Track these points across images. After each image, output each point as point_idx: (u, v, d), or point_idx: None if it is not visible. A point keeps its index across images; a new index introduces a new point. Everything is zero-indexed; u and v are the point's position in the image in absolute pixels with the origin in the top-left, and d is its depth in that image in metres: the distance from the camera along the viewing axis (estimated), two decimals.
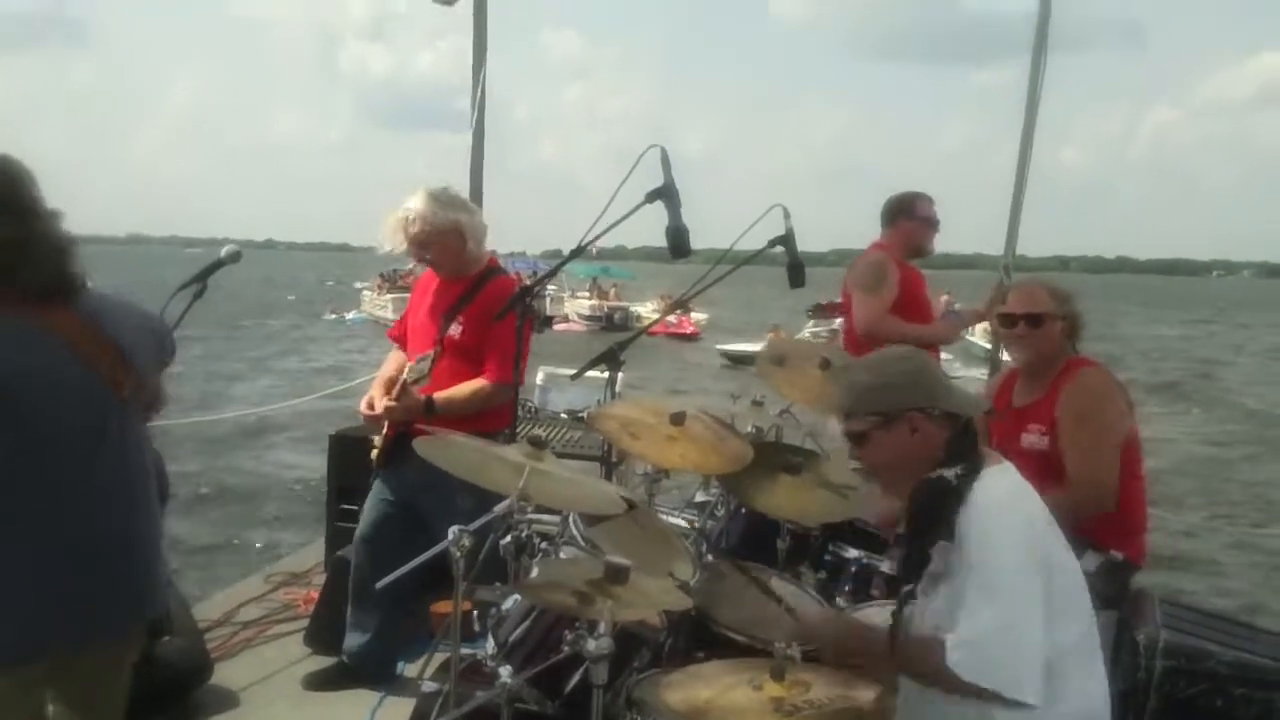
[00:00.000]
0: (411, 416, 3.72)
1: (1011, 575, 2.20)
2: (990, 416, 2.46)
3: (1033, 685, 2.16)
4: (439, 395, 3.76)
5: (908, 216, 5.18)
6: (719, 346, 30.64)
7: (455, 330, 3.84)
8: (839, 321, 31.35)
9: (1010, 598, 2.19)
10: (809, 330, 31.67)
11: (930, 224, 5.23)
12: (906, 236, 5.17)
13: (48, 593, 2.26)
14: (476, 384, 3.79)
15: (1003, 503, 2.28)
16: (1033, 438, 3.50)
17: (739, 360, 30.59)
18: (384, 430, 3.98)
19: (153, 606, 2.59)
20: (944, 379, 2.46)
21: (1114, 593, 3.37)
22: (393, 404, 3.72)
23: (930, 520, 2.38)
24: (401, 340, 4.20)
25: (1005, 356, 5.34)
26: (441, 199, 3.86)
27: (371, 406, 3.95)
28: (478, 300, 3.83)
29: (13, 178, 2.23)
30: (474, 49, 5.83)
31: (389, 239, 3.88)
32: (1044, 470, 3.26)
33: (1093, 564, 3.29)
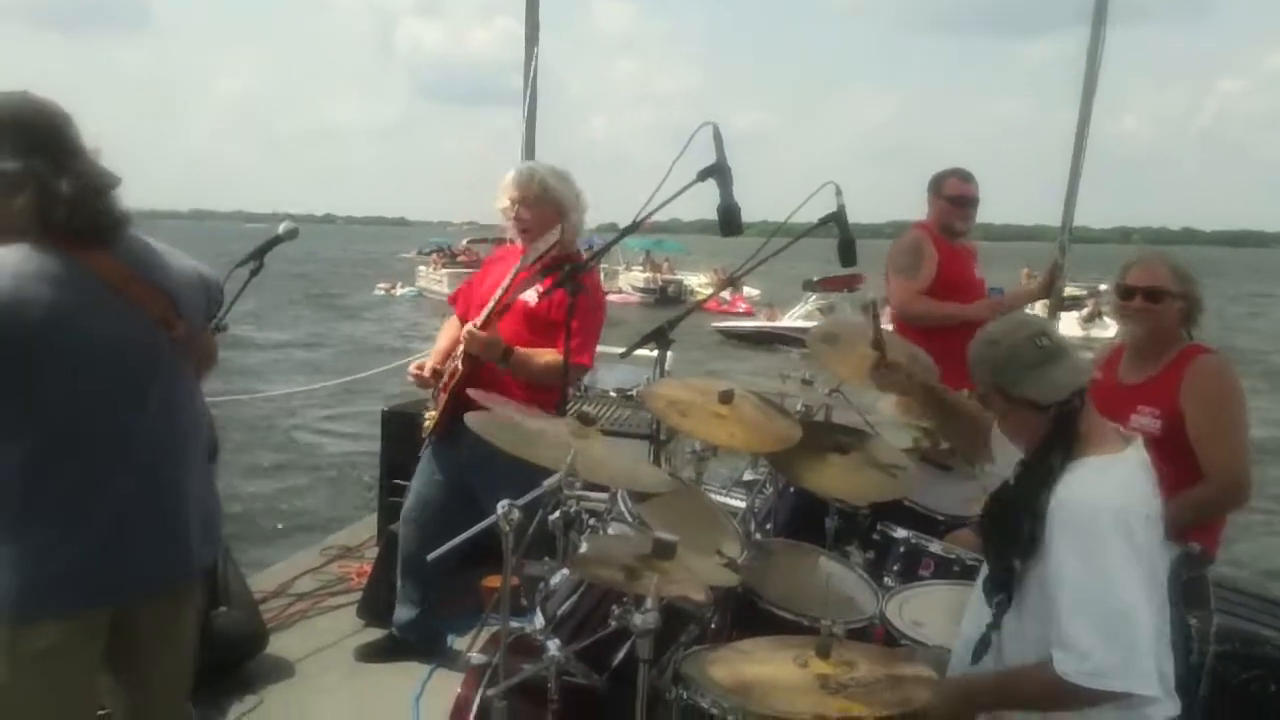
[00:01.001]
0: (487, 354, 3.68)
1: (1111, 575, 2.16)
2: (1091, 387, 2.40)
3: (1151, 677, 2.14)
4: (519, 350, 3.73)
5: (937, 195, 5.11)
6: (715, 324, 30.19)
7: (531, 296, 3.79)
8: (844, 293, 30.66)
9: (1113, 594, 2.15)
10: (811, 303, 31.14)
11: (956, 203, 5.09)
12: (939, 215, 5.10)
13: (101, 541, 2.25)
14: (552, 354, 3.73)
15: (1090, 501, 2.23)
16: (1145, 420, 3.36)
17: (733, 335, 30.36)
18: (438, 403, 3.99)
19: (207, 554, 2.58)
20: (1033, 362, 2.35)
21: (1186, 584, 3.25)
22: (475, 331, 3.65)
23: (1002, 537, 2.38)
24: (464, 307, 4.15)
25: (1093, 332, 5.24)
26: (564, 176, 3.96)
27: (422, 368, 3.97)
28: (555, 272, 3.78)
29: (44, 117, 2.22)
30: (526, 30, 5.84)
31: (505, 189, 3.93)
32: (1155, 456, 3.19)
33: (1171, 555, 3.20)
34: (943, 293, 4.90)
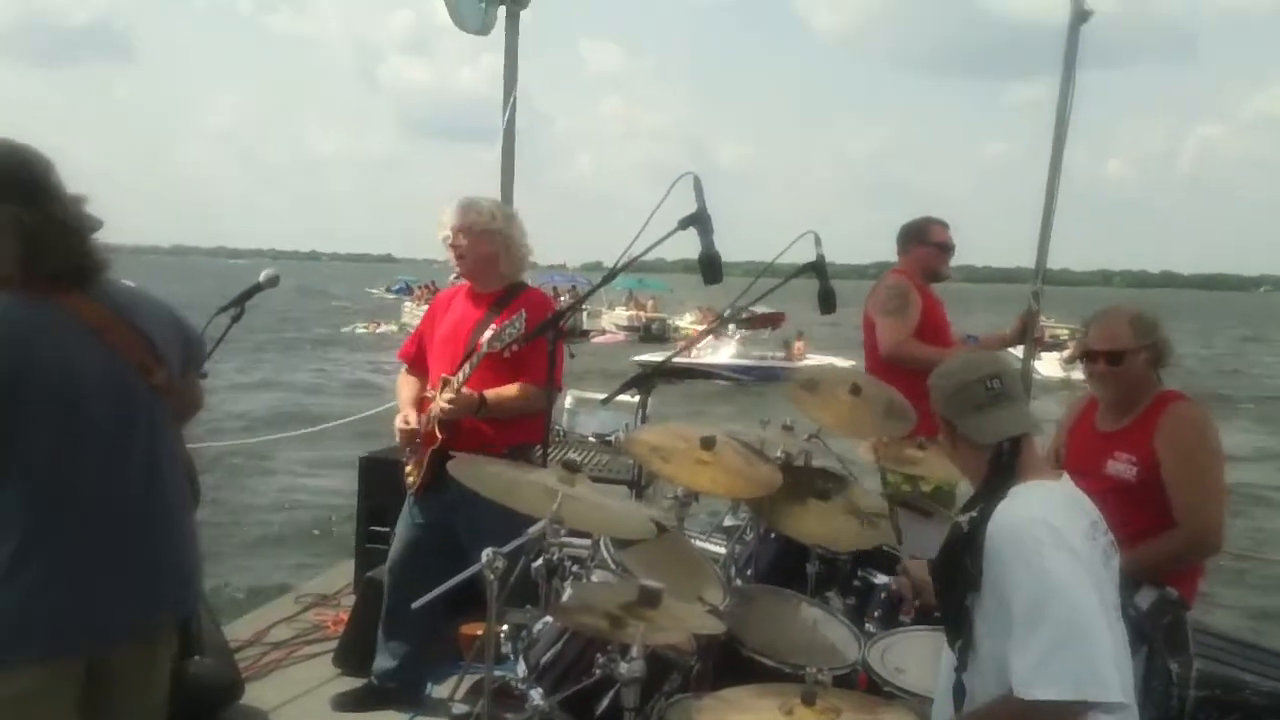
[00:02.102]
0: (465, 415, 3.75)
1: (1055, 582, 2.17)
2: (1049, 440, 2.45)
3: (1114, 682, 2.13)
4: (489, 393, 3.78)
5: (920, 242, 5.23)
6: (635, 357, 30.14)
7: (493, 343, 3.74)
8: (771, 332, 30.53)
9: (1061, 602, 2.15)
10: (735, 340, 31.20)
11: (944, 249, 5.27)
12: (921, 262, 5.21)
13: (81, 586, 2.24)
14: (521, 385, 3.82)
15: (1016, 518, 2.26)
16: (1121, 466, 3.40)
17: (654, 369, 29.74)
18: (416, 455, 4.00)
19: (185, 604, 2.58)
20: (980, 404, 2.40)
21: (1160, 630, 3.26)
22: (448, 405, 3.71)
23: (948, 575, 2.40)
24: (415, 359, 4.20)
25: (1039, 373, 5.30)
26: (504, 209, 4.06)
27: (407, 422, 3.99)
28: (511, 308, 3.81)
29: (26, 164, 2.22)
30: (505, 75, 5.87)
31: (446, 220, 3.97)
32: (1130, 502, 3.19)
33: (1147, 600, 3.21)
34: (925, 337, 4.98)
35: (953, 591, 2.37)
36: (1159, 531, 3.26)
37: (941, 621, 2.43)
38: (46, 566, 2.21)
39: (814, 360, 29.07)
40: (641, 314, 45.36)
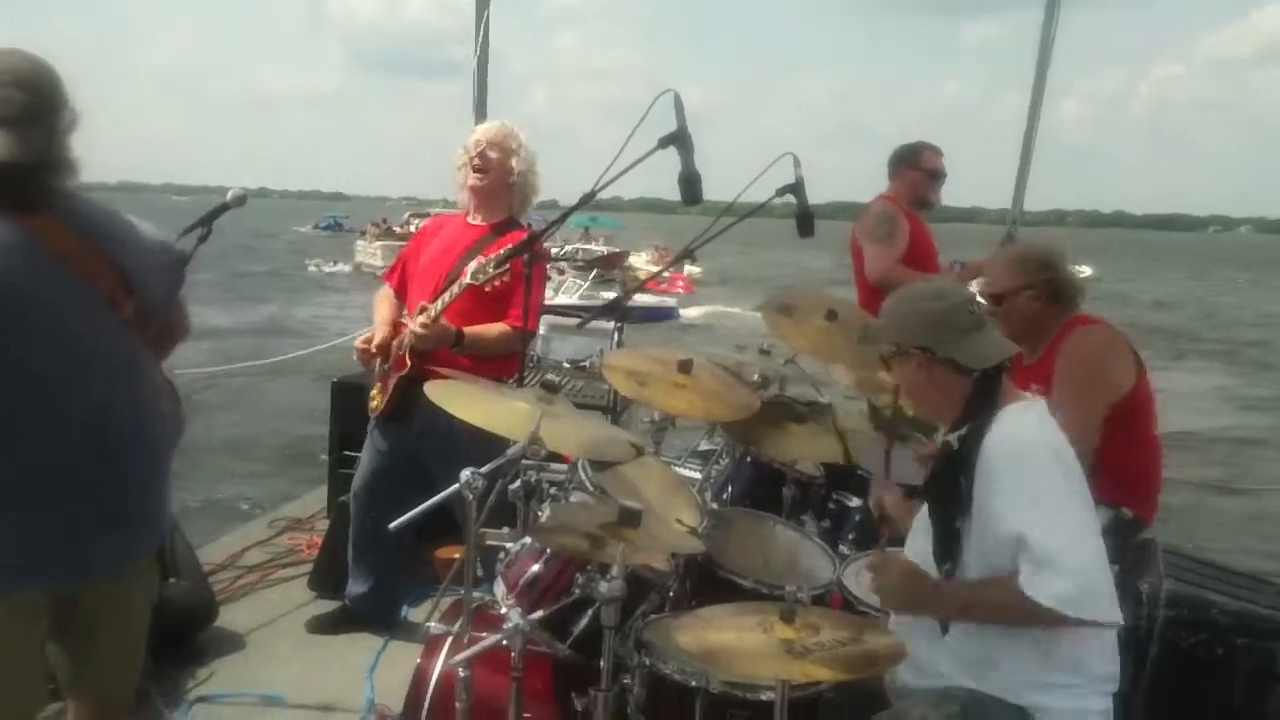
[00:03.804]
0: (439, 346, 3.68)
1: (1056, 498, 2.23)
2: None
3: (1114, 603, 2.20)
4: (468, 330, 3.71)
5: (911, 167, 5.20)
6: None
7: (476, 276, 3.64)
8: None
9: (1059, 522, 2.21)
10: (576, 281, 31.40)
11: (934, 176, 5.25)
12: (911, 187, 5.18)
13: (36, 519, 2.18)
14: (502, 326, 3.75)
15: (1021, 435, 2.30)
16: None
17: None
18: (382, 379, 3.95)
19: (156, 537, 2.53)
20: (966, 327, 2.41)
21: (1119, 549, 3.34)
22: (422, 331, 3.64)
23: (941, 495, 2.42)
24: (400, 282, 4.11)
25: None
26: (530, 149, 4.00)
27: (368, 342, 3.94)
28: (501, 242, 3.71)
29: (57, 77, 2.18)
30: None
31: (477, 133, 3.95)
32: None
33: (1103, 519, 3.26)
34: (913, 264, 4.98)
35: (943, 512, 2.40)
36: None
37: (935, 542, 2.44)
38: (5, 499, 2.15)
39: (708, 309, 29.17)
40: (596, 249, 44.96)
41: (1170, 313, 36.42)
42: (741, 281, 32.66)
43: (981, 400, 2.38)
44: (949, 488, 2.37)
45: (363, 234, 50.77)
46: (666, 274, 32.12)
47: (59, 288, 2.16)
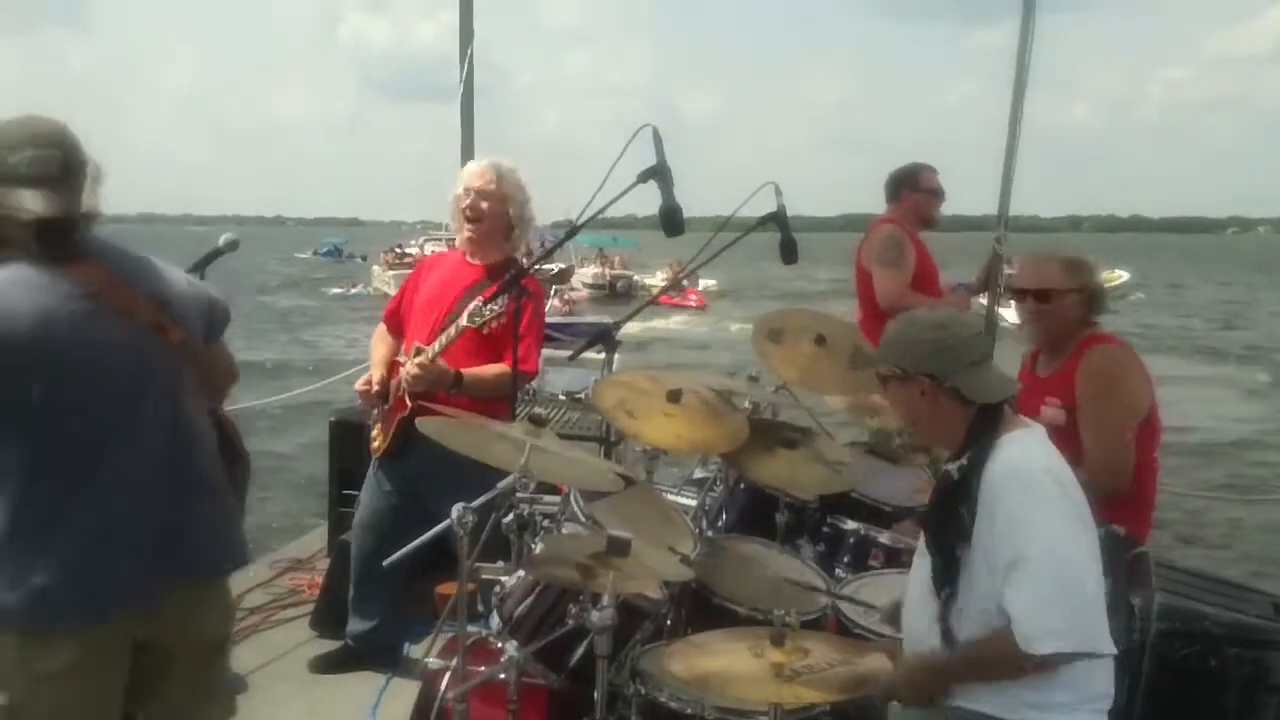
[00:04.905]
0: (435, 388, 3.65)
1: (1052, 530, 2.24)
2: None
3: (1108, 633, 2.22)
4: (466, 373, 3.69)
5: (913, 189, 5.25)
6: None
7: (474, 319, 3.61)
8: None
9: (1058, 552, 2.22)
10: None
11: (935, 195, 5.31)
12: (914, 208, 5.23)
13: (107, 549, 2.24)
14: (500, 367, 3.72)
15: (1020, 466, 2.31)
16: (1051, 411, 3.41)
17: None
18: (384, 419, 3.97)
19: (222, 555, 2.55)
20: (973, 358, 2.43)
21: (1110, 565, 3.34)
22: (419, 371, 3.63)
23: (940, 523, 2.43)
24: (396, 320, 4.12)
25: (1005, 320, 5.34)
26: (519, 177, 3.94)
27: (369, 383, 3.95)
28: (499, 284, 3.62)
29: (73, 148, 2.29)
30: (460, 29, 5.81)
31: (468, 177, 3.90)
32: (1062, 446, 3.24)
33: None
34: (917, 286, 5.02)
35: (943, 540, 2.41)
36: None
37: (932, 568, 2.45)
38: (55, 531, 2.21)
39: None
40: (606, 271, 44.97)
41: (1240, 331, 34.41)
42: (739, 295, 32.73)
43: (983, 430, 2.40)
44: (950, 517, 2.38)
45: (363, 258, 50.87)
46: (677, 292, 32.52)
47: (107, 325, 2.26)
